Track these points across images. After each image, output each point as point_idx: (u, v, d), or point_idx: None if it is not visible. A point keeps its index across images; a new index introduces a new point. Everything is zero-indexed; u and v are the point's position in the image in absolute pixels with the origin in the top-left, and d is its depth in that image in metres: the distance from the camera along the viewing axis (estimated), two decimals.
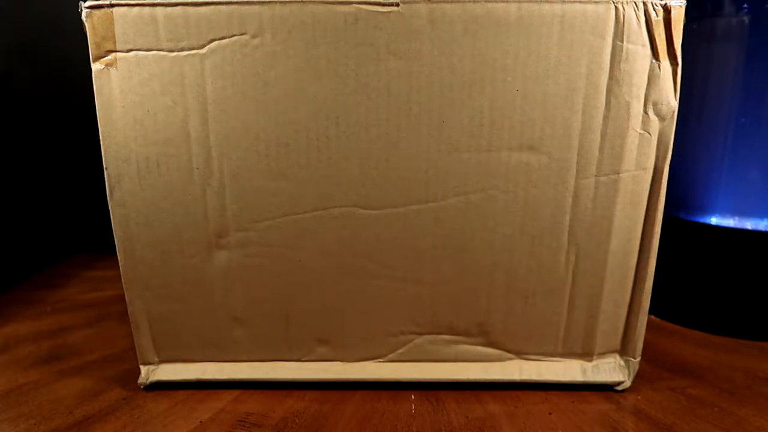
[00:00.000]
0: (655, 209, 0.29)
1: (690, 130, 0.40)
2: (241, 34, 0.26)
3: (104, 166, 0.28)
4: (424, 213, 0.29)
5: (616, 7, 0.26)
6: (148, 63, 0.27)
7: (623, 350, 0.32)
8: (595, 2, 0.26)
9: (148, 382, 0.32)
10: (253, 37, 0.26)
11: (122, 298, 0.31)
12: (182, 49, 0.27)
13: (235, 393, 0.32)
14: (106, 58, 0.27)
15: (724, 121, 0.39)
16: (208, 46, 0.27)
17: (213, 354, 0.32)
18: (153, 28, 0.26)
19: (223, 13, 0.26)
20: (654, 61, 0.27)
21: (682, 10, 0.26)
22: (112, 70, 0.27)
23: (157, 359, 0.32)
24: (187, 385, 0.32)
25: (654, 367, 0.35)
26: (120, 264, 0.30)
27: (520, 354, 0.32)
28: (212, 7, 0.26)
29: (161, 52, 0.27)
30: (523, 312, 0.31)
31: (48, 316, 0.44)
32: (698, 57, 0.39)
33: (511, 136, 0.28)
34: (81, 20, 0.26)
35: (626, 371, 0.32)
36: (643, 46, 0.27)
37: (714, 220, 0.41)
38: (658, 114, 0.28)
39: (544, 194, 0.29)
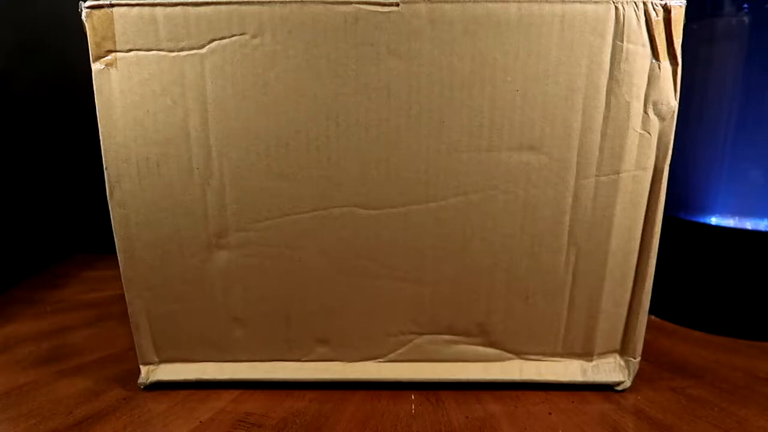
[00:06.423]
0: (655, 209, 0.29)
1: (690, 130, 0.40)
2: (241, 34, 0.26)
3: (104, 166, 0.28)
4: (424, 213, 0.29)
5: (616, 7, 0.26)
6: (148, 63, 0.27)
7: (623, 350, 0.32)
8: (595, 2, 0.26)
9: (148, 382, 0.32)
10: (253, 37, 0.26)
11: (122, 298, 0.31)
12: (182, 49, 0.27)
13: (235, 393, 0.32)
14: (106, 58, 0.27)
15: (724, 121, 0.39)
16: (208, 46, 0.27)
17: (213, 354, 0.32)
18: (153, 28, 0.26)
19: (223, 13, 0.26)
20: (654, 61, 0.27)
21: (682, 10, 0.26)
22: (112, 70, 0.27)
23: (157, 359, 0.32)
24: (187, 385, 0.32)
25: (654, 367, 0.35)
26: (120, 264, 0.30)
27: (520, 354, 0.32)
28: (212, 7, 0.26)
29: (161, 52, 0.27)
30: (523, 312, 0.31)
31: (48, 316, 0.44)
32: (698, 57, 0.39)
33: (511, 136, 0.28)
34: (81, 20, 0.26)
35: (626, 371, 0.32)
36: (643, 46, 0.27)
37: (714, 220, 0.41)
38: (658, 114, 0.28)
39: (544, 194, 0.29)
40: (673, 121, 0.28)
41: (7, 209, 0.53)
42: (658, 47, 0.27)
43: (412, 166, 0.28)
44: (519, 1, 0.26)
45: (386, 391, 0.32)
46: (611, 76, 0.27)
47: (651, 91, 0.27)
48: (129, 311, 0.31)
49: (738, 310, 0.40)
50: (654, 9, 0.26)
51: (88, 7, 0.26)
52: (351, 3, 0.26)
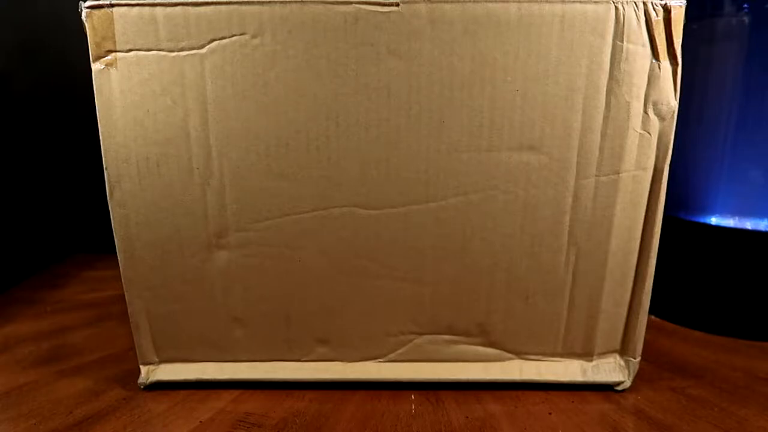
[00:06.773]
0: (655, 209, 0.29)
1: (690, 130, 0.40)
2: (241, 34, 0.26)
3: (104, 167, 0.28)
4: (424, 213, 0.29)
5: (616, 7, 0.26)
6: (148, 63, 0.27)
7: (623, 350, 0.32)
8: (595, 2, 0.26)
9: (148, 382, 0.32)
10: (253, 37, 0.26)
11: (122, 298, 0.31)
12: (182, 49, 0.27)
13: (235, 393, 0.32)
14: (106, 58, 0.27)
15: (724, 121, 0.39)
16: (208, 46, 0.27)
17: (213, 354, 0.32)
18: (153, 28, 0.26)
19: (223, 13, 0.26)
20: (654, 61, 0.27)
21: (682, 10, 0.26)
22: (112, 70, 0.27)
23: (157, 359, 0.32)
24: (187, 385, 0.32)
25: (654, 367, 0.35)
26: (120, 264, 0.30)
27: (520, 354, 0.32)
28: (212, 7, 0.26)
29: (161, 52, 0.27)
30: (523, 312, 0.31)
31: (48, 316, 0.44)
32: (698, 57, 0.39)
33: (511, 136, 0.28)
34: (81, 20, 0.26)
35: (626, 371, 0.32)
36: (643, 46, 0.27)
37: (714, 220, 0.41)
38: (658, 114, 0.28)
39: (544, 194, 0.29)
40: (673, 121, 0.28)
41: (8, 209, 0.53)
42: (658, 47, 0.27)
43: (412, 166, 0.28)
44: (519, 1, 0.26)
45: (386, 391, 0.32)
46: (611, 76, 0.27)
47: (651, 91, 0.27)
48: (129, 311, 0.31)
49: (738, 310, 0.40)
50: (654, 9, 0.26)
51: (88, 7, 0.26)
52: (351, 3, 0.26)
